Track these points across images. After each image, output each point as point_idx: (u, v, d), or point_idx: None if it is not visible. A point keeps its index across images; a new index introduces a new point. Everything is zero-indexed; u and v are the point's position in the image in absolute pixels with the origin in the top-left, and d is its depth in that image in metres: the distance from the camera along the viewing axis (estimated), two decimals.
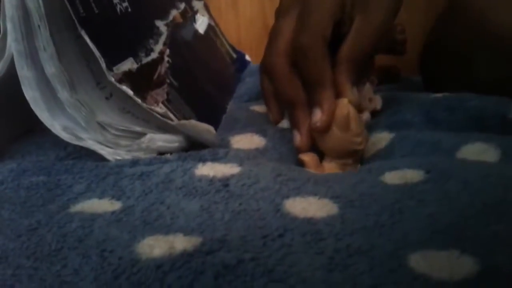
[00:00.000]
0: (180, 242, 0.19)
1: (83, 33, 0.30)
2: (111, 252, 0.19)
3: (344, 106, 0.31)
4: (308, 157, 0.32)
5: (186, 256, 0.18)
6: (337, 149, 0.31)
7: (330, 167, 0.32)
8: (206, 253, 0.18)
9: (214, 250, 0.18)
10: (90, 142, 0.31)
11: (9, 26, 0.29)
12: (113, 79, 0.31)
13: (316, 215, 0.21)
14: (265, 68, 0.36)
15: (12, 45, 0.29)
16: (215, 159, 0.29)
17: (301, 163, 0.32)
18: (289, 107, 0.35)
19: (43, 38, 0.29)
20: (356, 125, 0.31)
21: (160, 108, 0.32)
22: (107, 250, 0.19)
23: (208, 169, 0.27)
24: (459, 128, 0.34)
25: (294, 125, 0.34)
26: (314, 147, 0.33)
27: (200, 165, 0.27)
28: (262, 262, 0.18)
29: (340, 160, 0.32)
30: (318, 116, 0.31)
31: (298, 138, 0.33)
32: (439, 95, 0.39)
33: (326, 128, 0.31)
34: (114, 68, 0.31)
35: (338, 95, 0.32)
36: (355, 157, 0.32)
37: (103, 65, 0.30)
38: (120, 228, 0.21)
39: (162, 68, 0.36)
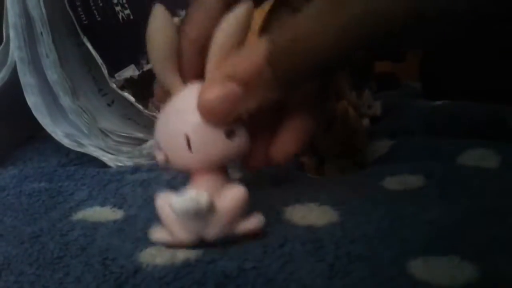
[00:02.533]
0: (182, 251, 0.19)
1: (85, 40, 0.30)
2: (113, 260, 0.19)
3: (344, 107, 0.31)
4: (309, 160, 0.32)
5: (188, 266, 0.18)
6: (337, 149, 0.32)
7: (330, 170, 0.32)
8: (207, 262, 0.18)
9: (215, 259, 0.19)
10: (91, 148, 0.31)
11: (12, 33, 0.29)
12: (115, 86, 0.31)
13: (316, 223, 0.22)
14: None
15: (15, 52, 0.29)
16: None
17: (302, 166, 0.32)
18: None
19: (45, 45, 0.29)
20: (355, 124, 0.32)
21: None
22: (109, 259, 0.19)
23: None
24: (459, 135, 0.34)
25: None
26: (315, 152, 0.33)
27: None
28: (263, 271, 0.18)
29: (340, 162, 0.32)
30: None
31: None
32: (439, 102, 0.39)
33: (326, 127, 0.31)
34: (116, 75, 0.31)
35: (337, 98, 0.32)
36: (355, 157, 0.32)
37: (105, 72, 0.30)
38: (122, 237, 0.21)
39: None
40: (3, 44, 0.31)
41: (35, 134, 0.36)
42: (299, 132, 0.23)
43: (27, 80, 0.30)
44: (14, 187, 0.28)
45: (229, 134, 0.20)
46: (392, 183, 0.26)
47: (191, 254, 0.19)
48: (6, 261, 0.19)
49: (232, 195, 0.20)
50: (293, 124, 0.23)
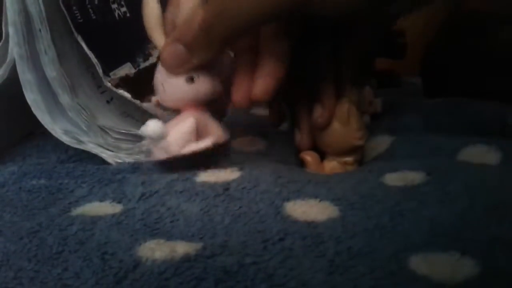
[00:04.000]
0: (181, 246, 0.19)
1: (79, 38, 0.30)
2: (112, 255, 0.19)
3: (345, 102, 0.31)
4: (309, 156, 0.32)
5: (188, 261, 0.18)
6: (338, 145, 0.32)
7: (331, 166, 0.32)
8: (207, 257, 0.18)
9: (215, 254, 0.18)
10: (91, 145, 0.31)
11: (11, 30, 0.29)
12: (109, 85, 0.31)
13: (316, 219, 0.21)
14: None
15: (14, 49, 0.29)
16: (217, 164, 0.29)
17: (302, 162, 0.32)
18: (291, 107, 0.35)
19: (44, 42, 0.29)
20: (356, 120, 0.31)
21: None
22: (108, 253, 0.19)
23: (209, 176, 0.27)
24: (459, 132, 0.34)
25: (295, 123, 0.34)
26: (315, 148, 0.33)
27: (201, 172, 0.27)
28: (263, 266, 0.18)
29: (341, 158, 0.32)
30: (319, 112, 0.31)
31: (299, 136, 0.33)
32: (439, 99, 0.39)
33: (327, 123, 0.31)
34: (111, 74, 0.31)
35: (338, 95, 0.32)
36: (356, 154, 0.32)
37: (100, 70, 0.30)
38: (121, 231, 0.21)
39: None
40: (2, 41, 0.30)
41: (35, 131, 0.36)
42: (272, 71, 0.28)
43: (26, 77, 0.30)
44: (13, 183, 0.28)
45: (188, 80, 0.27)
46: (392, 179, 0.26)
47: (191, 248, 0.19)
48: (5, 257, 0.19)
49: (182, 125, 0.27)
50: (265, 65, 0.28)
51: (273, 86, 0.28)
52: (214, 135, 0.28)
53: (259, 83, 0.28)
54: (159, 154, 0.27)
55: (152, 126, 0.26)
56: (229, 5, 0.25)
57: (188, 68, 0.27)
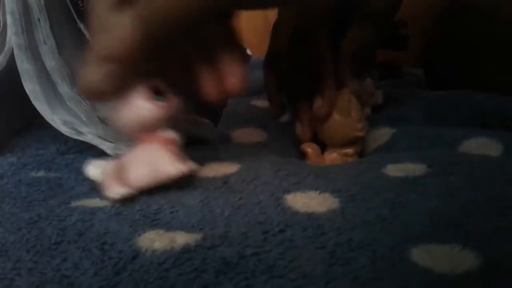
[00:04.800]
0: (181, 236, 0.19)
1: (82, 26, 0.30)
2: (112, 245, 0.19)
3: (345, 94, 0.31)
4: (310, 148, 0.32)
5: (188, 252, 0.18)
6: (338, 136, 0.31)
7: (331, 158, 0.32)
8: (207, 248, 0.18)
9: (215, 245, 0.18)
10: (90, 136, 0.31)
11: (9, 19, 0.29)
12: None
13: (317, 210, 0.21)
14: (270, 61, 0.36)
15: (12, 38, 0.29)
16: (216, 157, 0.29)
17: (303, 154, 0.32)
18: (291, 98, 0.35)
19: (43, 31, 0.29)
20: (357, 111, 0.31)
21: None
22: (108, 243, 0.19)
23: (207, 170, 0.27)
24: (461, 124, 0.34)
25: (296, 115, 0.34)
26: (316, 140, 0.33)
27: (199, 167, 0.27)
28: (263, 258, 0.18)
29: (341, 150, 0.32)
30: (319, 103, 0.31)
31: (300, 128, 0.33)
32: (441, 92, 0.39)
33: (327, 115, 0.31)
34: None
35: (339, 86, 0.32)
36: (356, 146, 0.32)
37: None
38: (120, 222, 0.21)
39: None
40: (0, 30, 0.30)
41: (34, 121, 0.36)
42: (238, 63, 0.25)
43: (24, 66, 0.29)
44: (12, 174, 0.28)
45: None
46: (393, 171, 0.26)
47: (191, 239, 0.19)
48: (3, 248, 0.19)
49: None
50: (227, 59, 0.25)
51: (243, 72, 0.26)
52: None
53: (230, 75, 0.25)
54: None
55: (92, 169, 0.24)
56: (170, 3, 0.20)
57: (126, 89, 0.22)
